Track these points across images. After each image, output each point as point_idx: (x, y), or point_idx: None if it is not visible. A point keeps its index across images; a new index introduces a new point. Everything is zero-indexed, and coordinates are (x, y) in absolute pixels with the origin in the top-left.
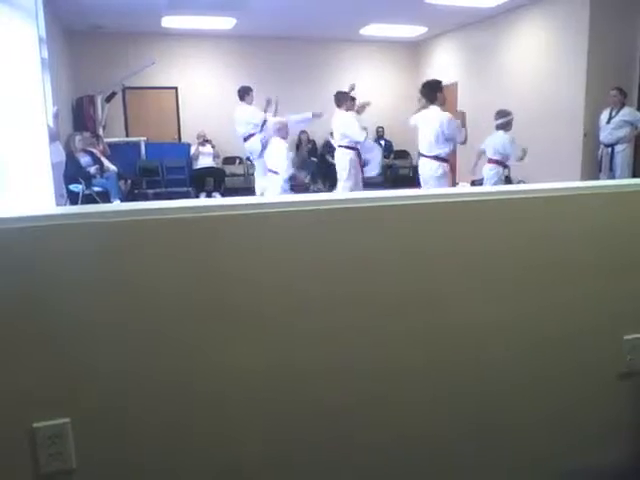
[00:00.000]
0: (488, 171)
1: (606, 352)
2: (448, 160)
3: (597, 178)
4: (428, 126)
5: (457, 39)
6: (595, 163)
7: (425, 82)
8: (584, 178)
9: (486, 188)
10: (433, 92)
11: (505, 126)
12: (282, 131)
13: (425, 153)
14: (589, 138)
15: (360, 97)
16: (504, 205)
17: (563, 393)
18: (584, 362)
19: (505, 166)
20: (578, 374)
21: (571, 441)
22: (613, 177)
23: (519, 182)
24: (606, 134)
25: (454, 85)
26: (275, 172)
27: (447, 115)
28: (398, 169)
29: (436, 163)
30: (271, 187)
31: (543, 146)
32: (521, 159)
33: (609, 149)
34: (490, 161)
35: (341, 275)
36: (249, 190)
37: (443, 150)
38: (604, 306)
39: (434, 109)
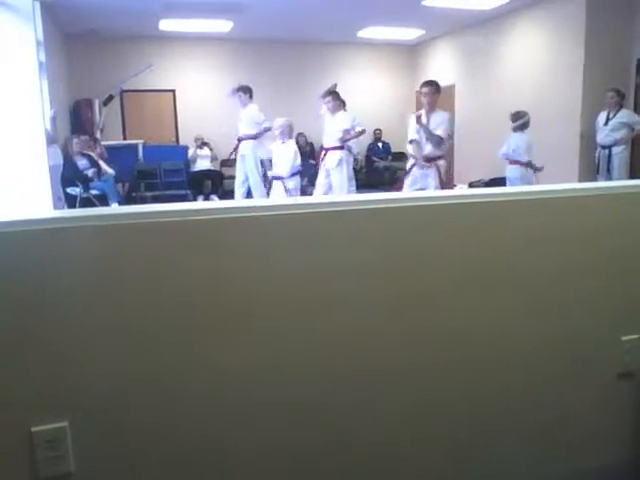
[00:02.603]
0: (513, 172)
1: (604, 353)
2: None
3: (594, 180)
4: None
5: (454, 41)
6: (592, 165)
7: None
8: (582, 180)
9: (483, 190)
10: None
11: (522, 127)
12: (288, 132)
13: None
14: (586, 140)
15: (359, 99)
16: (502, 206)
17: (561, 394)
18: (582, 363)
19: (531, 167)
20: (576, 375)
21: (570, 442)
22: (610, 179)
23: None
24: (603, 136)
25: (452, 87)
26: (280, 178)
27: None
28: (396, 171)
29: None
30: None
31: (540, 148)
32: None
33: (606, 151)
34: (513, 162)
35: (335, 278)
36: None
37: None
38: (602, 307)
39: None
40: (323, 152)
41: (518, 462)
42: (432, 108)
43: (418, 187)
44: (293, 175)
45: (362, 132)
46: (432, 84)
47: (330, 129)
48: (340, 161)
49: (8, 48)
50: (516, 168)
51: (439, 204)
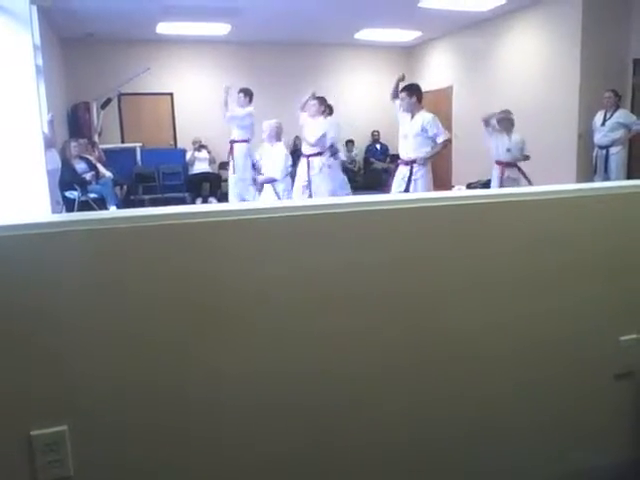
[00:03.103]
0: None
1: (603, 353)
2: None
3: (592, 180)
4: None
5: (452, 43)
6: (590, 165)
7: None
8: (579, 180)
9: (482, 191)
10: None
11: (500, 125)
12: (276, 135)
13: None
14: (584, 140)
15: (356, 101)
16: (501, 208)
17: (560, 394)
18: (581, 363)
19: (509, 166)
20: (575, 375)
21: (568, 442)
22: (608, 179)
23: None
24: (601, 136)
25: (449, 89)
26: (272, 180)
27: None
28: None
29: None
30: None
31: (538, 148)
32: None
33: (604, 151)
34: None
35: (333, 279)
36: None
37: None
38: (600, 307)
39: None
40: (305, 158)
41: (517, 462)
42: (415, 110)
43: (402, 189)
44: (284, 177)
45: (330, 147)
46: (405, 89)
47: (309, 134)
48: (322, 167)
49: (5, 52)
50: (495, 168)
51: (437, 205)
